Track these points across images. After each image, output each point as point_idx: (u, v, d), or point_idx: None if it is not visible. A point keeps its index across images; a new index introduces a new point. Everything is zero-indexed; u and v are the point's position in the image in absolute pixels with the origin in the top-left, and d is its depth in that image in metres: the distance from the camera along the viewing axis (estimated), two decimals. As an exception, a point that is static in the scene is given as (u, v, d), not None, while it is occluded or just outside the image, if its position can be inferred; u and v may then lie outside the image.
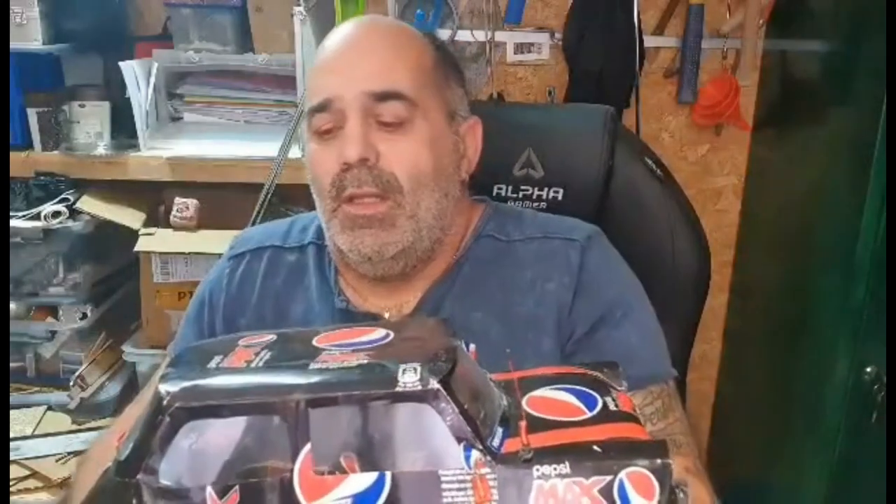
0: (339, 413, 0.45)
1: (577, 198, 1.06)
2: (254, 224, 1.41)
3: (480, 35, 1.74)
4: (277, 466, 0.45)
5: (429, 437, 0.45)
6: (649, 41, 1.74)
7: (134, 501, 0.46)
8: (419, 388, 0.44)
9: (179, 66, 1.62)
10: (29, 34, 1.52)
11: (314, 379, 0.47)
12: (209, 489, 0.46)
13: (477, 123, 0.90)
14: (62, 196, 1.55)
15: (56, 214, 1.53)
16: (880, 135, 1.26)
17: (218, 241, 1.49)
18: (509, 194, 1.08)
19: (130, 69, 1.54)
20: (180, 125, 1.67)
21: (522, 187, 1.07)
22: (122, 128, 1.62)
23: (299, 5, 1.50)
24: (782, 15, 1.70)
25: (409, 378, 0.45)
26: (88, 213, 1.55)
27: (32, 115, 1.58)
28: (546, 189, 1.06)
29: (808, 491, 1.44)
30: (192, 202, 1.57)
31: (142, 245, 1.54)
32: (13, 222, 1.51)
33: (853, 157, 1.36)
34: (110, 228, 1.58)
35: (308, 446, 0.45)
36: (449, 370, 0.46)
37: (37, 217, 1.52)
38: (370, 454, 0.45)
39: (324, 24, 1.55)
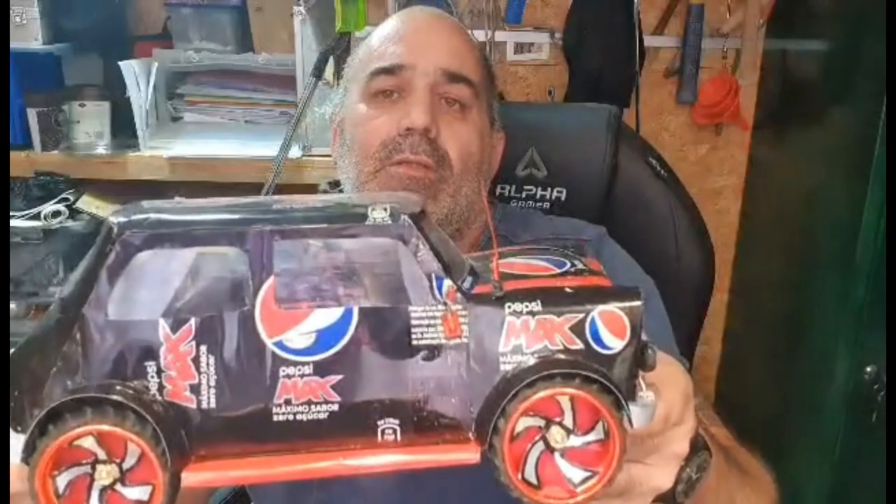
0: (306, 247, 0.43)
1: (580, 198, 1.06)
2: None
3: (480, 35, 1.74)
4: (237, 300, 0.43)
5: (398, 273, 0.44)
6: (649, 41, 1.75)
7: (78, 336, 0.42)
8: (389, 222, 0.44)
9: (179, 65, 1.62)
10: (29, 34, 1.52)
11: (280, 214, 0.44)
12: (162, 322, 0.43)
13: (503, 139, 0.92)
14: (62, 196, 1.55)
15: (56, 214, 1.52)
16: (880, 134, 1.26)
17: (218, 242, 1.48)
18: (513, 194, 1.08)
19: (130, 69, 1.53)
20: (180, 125, 1.66)
21: (526, 187, 1.07)
22: (122, 128, 1.61)
23: (299, 5, 1.50)
24: (782, 15, 1.70)
25: (378, 214, 0.44)
26: (88, 213, 1.54)
27: (32, 115, 1.57)
28: (549, 189, 1.06)
29: (809, 490, 1.44)
30: (193, 202, 1.57)
31: (142, 245, 1.53)
32: (13, 222, 1.50)
33: (853, 157, 1.36)
34: (110, 228, 1.57)
35: (271, 280, 0.43)
36: (419, 212, 0.45)
37: (37, 217, 1.52)
38: (337, 290, 0.44)
39: (324, 24, 1.54)
